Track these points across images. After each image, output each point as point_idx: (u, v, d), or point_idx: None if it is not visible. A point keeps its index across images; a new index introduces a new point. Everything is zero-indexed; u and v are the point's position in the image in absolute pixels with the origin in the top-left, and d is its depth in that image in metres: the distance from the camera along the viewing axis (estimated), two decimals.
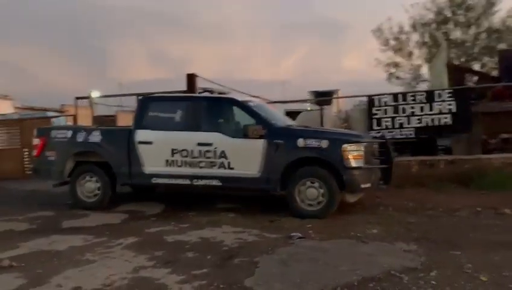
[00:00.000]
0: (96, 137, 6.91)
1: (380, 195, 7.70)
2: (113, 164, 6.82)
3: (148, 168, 6.68)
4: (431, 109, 8.69)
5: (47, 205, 7.46)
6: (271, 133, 6.24)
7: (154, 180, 6.70)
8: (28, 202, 7.98)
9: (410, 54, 18.83)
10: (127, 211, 6.85)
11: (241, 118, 6.53)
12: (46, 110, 23.61)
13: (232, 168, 6.38)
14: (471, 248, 4.56)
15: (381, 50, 19.37)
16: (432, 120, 8.69)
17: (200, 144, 6.43)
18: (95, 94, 11.46)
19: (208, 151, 6.42)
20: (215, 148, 6.39)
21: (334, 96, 13.45)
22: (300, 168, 6.14)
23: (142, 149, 6.69)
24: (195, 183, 6.53)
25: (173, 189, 7.11)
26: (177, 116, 6.70)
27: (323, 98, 11.03)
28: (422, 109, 8.75)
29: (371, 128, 9.02)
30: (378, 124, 9.00)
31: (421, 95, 8.84)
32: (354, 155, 5.98)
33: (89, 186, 6.97)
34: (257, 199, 7.33)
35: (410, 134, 8.84)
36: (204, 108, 6.69)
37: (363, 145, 6.10)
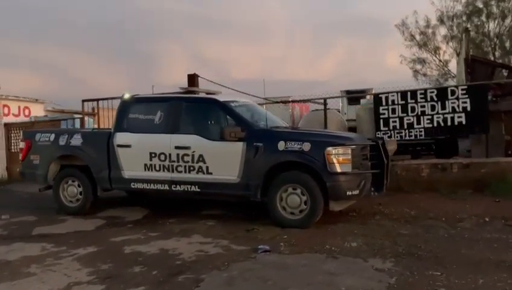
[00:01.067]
0: (77, 140, 6.71)
1: (383, 201, 7.09)
2: (93, 168, 6.59)
3: (127, 172, 6.40)
4: (443, 108, 7.94)
5: (37, 209, 7.31)
6: (250, 136, 5.80)
7: (133, 185, 6.41)
8: (22, 206, 7.88)
9: (437, 49, 17.69)
10: (108, 217, 6.59)
11: (222, 119, 6.13)
12: (76, 112, 24.14)
13: (210, 173, 5.99)
14: (457, 268, 3.95)
15: (406, 46, 18.33)
16: (444, 120, 7.94)
17: (177, 148, 6.08)
18: (127, 96, 11.29)
19: (185, 155, 6.05)
20: (193, 151, 6.02)
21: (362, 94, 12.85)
22: (283, 173, 5.66)
23: (121, 153, 6.42)
24: (173, 189, 6.18)
25: (154, 194, 6.77)
26: (157, 118, 6.37)
27: (320, 97, 10.38)
28: (433, 107, 8.01)
29: (378, 129, 8.37)
30: (386, 125, 8.34)
31: (432, 92, 8.09)
32: (339, 159, 5.44)
33: (72, 190, 6.78)
34: (247, 205, 6.89)
35: (420, 135, 8.11)
36: (184, 109, 6.32)
37: (350, 148, 5.54)
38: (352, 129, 9.41)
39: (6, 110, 22.01)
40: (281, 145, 5.62)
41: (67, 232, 5.70)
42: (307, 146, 5.50)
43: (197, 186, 6.06)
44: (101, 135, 6.61)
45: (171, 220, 6.22)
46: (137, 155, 6.32)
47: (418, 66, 17.79)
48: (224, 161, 5.90)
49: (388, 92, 8.36)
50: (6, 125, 12.73)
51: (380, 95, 8.41)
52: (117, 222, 6.26)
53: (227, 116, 6.06)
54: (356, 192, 5.54)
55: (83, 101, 11.20)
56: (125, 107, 6.65)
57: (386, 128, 8.34)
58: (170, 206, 7.21)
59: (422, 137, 8.12)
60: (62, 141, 6.79)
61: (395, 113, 8.27)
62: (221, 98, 6.43)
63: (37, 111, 22.39)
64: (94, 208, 6.90)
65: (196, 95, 6.58)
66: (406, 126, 8.18)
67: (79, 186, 6.74)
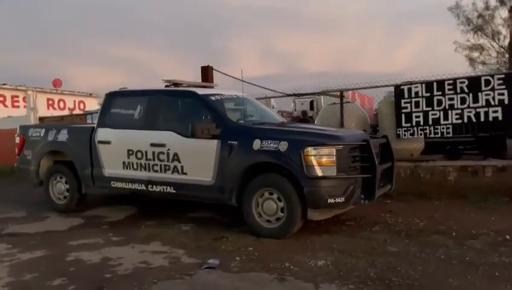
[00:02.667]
0: (63, 136, 6.50)
1: (396, 208, 6.22)
2: (78, 165, 6.34)
3: (108, 170, 6.07)
4: (475, 101, 6.77)
5: (33, 205, 7.21)
6: (225, 133, 5.20)
7: (113, 184, 6.06)
8: (26, 201, 7.81)
9: (495, 35, 15.61)
10: (90, 216, 6.32)
11: (200, 114, 5.57)
12: None
13: (185, 173, 5.48)
14: None
15: (461, 31, 16.36)
16: (477, 115, 6.77)
17: (153, 145, 5.63)
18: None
19: (161, 153, 5.59)
20: (168, 149, 5.54)
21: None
22: (259, 175, 5.01)
23: (101, 149, 6.10)
24: (150, 189, 5.76)
25: (136, 194, 6.36)
26: (136, 113, 5.96)
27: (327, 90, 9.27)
28: (463, 100, 6.86)
29: (399, 126, 7.36)
30: (408, 120, 7.30)
31: (463, 82, 6.92)
32: (321, 161, 4.68)
33: (59, 187, 6.59)
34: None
35: (447, 132, 6.99)
36: (162, 104, 5.85)
37: (335, 148, 4.75)
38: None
39: (62, 104, 23.24)
40: (257, 144, 4.96)
41: (37, 232, 5.48)
42: (283, 145, 4.80)
43: (172, 187, 5.58)
44: (84, 130, 6.32)
45: (148, 223, 5.80)
46: (116, 152, 5.97)
47: (475, 54, 15.83)
48: (199, 160, 5.36)
49: (411, 83, 7.31)
50: (41, 119, 13.11)
51: (402, 87, 7.37)
52: (95, 223, 5.96)
53: (206, 111, 5.50)
54: (341, 200, 4.74)
55: None
56: (108, 101, 6.32)
57: (409, 125, 7.30)
58: (162, 206, 6.79)
59: (450, 135, 6.99)
60: (50, 137, 6.62)
61: (418, 107, 7.21)
62: (201, 90, 5.87)
63: (91, 105, 23.36)
64: (83, 206, 6.67)
65: (175, 88, 6.06)
66: (431, 122, 7.10)
67: (66, 183, 6.53)
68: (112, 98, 6.31)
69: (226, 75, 9.55)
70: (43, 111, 17.80)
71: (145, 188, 5.78)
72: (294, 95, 8.42)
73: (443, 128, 7.03)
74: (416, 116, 7.24)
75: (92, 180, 6.22)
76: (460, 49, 16.59)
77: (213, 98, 5.64)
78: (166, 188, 5.62)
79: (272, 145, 4.87)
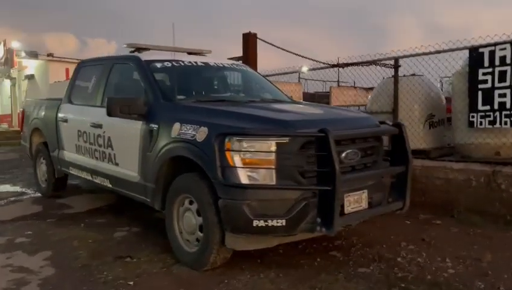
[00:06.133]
0: (41, 112, 5.79)
1: (436, 236, 4.12)
2: (50, 146, 5.58)
3: (67, 153, 5.16)
4: None
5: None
6: (150, 113, 3.77)
7: (71, 171, 5.14)
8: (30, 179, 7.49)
9: None
10: (58, 204, 5.52)
11: (139, 87, 4.15)
12: None
13: (117, 164, 4.23)
14: None
15: None
16: None
17: (92, 126, 4.50)
18: (304, 68, 10.14)
19: (99, 136, 4.43)
20: (104, 132, 4.35)
21: None
22: (180, 175, 3.49)
23: (62, 128, 5.22)
24: (95, 181, 4.66)
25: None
26: (90, 85, 4.88)
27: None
28: None
29: (473, 109, 4.91)
30: (487, 101, 4.79)
31: None
32: (247, 160, 2.96)
33: (42, 169, 5.95)
34: None
35: None
36: (107, 73, 4.61)
37: (273, 141, 2.96)
38: None
39: None
40: (175, 129, 3.43)
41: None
42: (202, 133, 3.18)
43: (108, 181, 4.40)
44: (52, 106, 5.49)
45: (99, 220, 4.76)
46: (70, 133, 5.01)
47: None
48: (125, 148, 4.06)
49: (495, 44, 4.73)
50: None
51: (481, 50, 4.84)
52: (50, 214, 5.11)
53: (142, 82, 4.10)
54: (279, 223, 2.94)
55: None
56: (76, 72, 5.37)
57: (488, 108, 4.79)
58: None
59: None
60: (35, 113, 6.00)
61: (504, 81, 4.66)
62: (151, 55, 4.44)
63: None
64: (62, 191, 5.89)
65: (123, 54, 4.70)
66: None
67: (46, 164, 5.85)
68: (79, 68, 5.35)
69: (269, 44, 7.95)
70: None
71: (91, 179, 4.72)
72: (337, 66, 6.38)
73: None
74: (501, 95, 4.69)
75: (59, 163, 5.39)
76: None
77: (158, 64, 4.19)
78: (104, 181, 4.46)
79: (189, 132, 3.29)
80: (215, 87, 4.58)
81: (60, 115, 5.23)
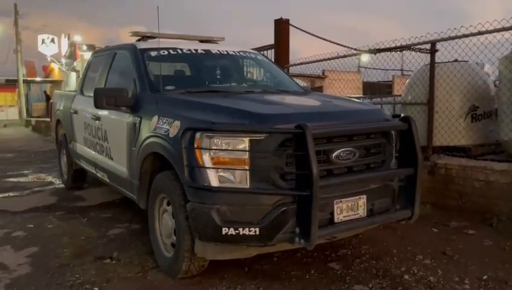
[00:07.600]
0: (61, 104, 5.79)
1: (464, 249, 3.53)
2: (67, 137, 5.55)
3: (78, 145, 5.10)
4: None
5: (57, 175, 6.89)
6: (135, 104, 3.52)
7: (81, 163, 5.06)
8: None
9: None
10: (73, 196, 5.49)
11: (132, 76, 3.90)
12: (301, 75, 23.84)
13: (112, 159, 4.05)
14: None
15: None
16: None
17: (93, 117, 4.35)
18: (364, 57, 9.65)
19: (98, 128, 4.28)
20: (102, 124, 4.18)
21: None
22: (159, 173, 3.21)
23: (74, 120, 5.15)
24: (98, 175, 4.53)
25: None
26: (97, 76, 4.73)
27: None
28: None
29: None
30: None
31: None
32: (218, 158, 2.61)
33: (64, 160, 5.98)
34: None
35: None
36: (112, 63, 4.41)
37: (246, 137, 2.57)
38: None
39: None
40: (153, 122, 3.16)
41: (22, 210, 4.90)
42: (174, 128, 2.87)
43: (106, 176, 4.24)
44: (69, 98, 5.43)
45: (104, 215, 4.64)
46: (79, 125, 4.93)
47: None
48: (117, 141, 3.85)
49: None
50: None
51: None
52: (61, 206, 5.08)
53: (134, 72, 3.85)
54: (252, 231, 2.55)
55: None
56: (89, 62, 5.26)
57: None
58: None
59: None
60: (57, 105, 6.02)
61: None
62: (146, 44, 4.16)
63: None
64: (82, 183, 5.86)
65: (127, 43, 4.44)
66: None
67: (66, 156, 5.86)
68: (92, 58, 5.24)
69: (303, 30, 7.44)
70: None
71: (95, 173, 4.59)
72: (370, 51, 5.75)
73: None
74: None
75: (75, 156, 5.34)
76: None
77: (153, 53, 3.91)
78: (104, 176, 4.31)
79: (164, 126, 2.99)
80: (217, 76, 4.23)
81: (72, 106, 5.17)
